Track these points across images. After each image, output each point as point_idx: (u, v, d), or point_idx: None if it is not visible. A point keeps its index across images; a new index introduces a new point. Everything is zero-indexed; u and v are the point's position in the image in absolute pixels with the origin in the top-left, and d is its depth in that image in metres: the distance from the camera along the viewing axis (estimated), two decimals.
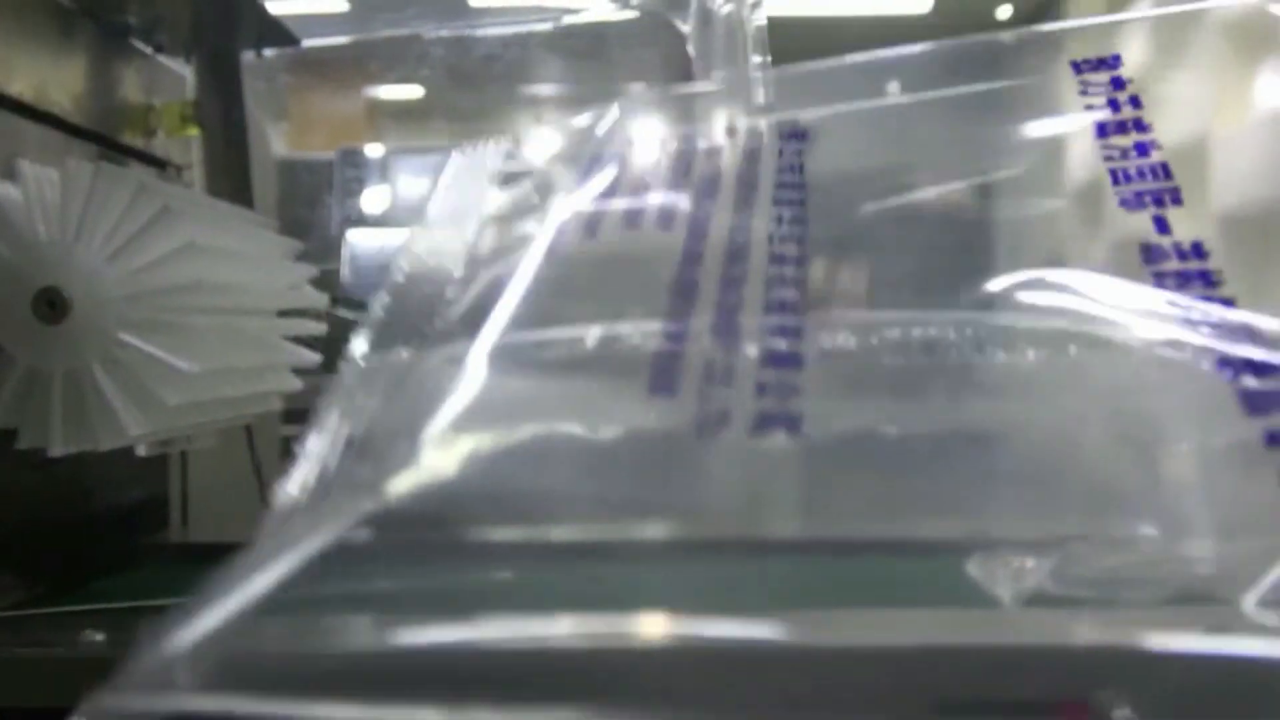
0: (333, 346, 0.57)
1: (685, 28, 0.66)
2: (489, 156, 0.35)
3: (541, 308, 0.28)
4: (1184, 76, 0.33)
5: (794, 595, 0.26)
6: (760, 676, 0.25)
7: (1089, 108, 0.30)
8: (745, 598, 0.27)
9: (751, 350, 0.26)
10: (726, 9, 0.59)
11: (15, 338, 0.40)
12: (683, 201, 0.31)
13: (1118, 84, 0.30)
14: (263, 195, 0.69)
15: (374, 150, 1.69)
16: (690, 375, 0.25)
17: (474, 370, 0.26)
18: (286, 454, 0.82)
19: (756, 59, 0.56)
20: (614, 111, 0.35)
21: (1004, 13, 3.05)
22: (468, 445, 0.24)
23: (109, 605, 0.40)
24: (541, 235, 0.30)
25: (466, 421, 0.25)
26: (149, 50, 0.61)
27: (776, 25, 0.51)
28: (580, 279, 0.30)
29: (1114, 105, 0.30)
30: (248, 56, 0.66)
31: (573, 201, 0.31)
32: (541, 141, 0.36)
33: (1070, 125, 0.31)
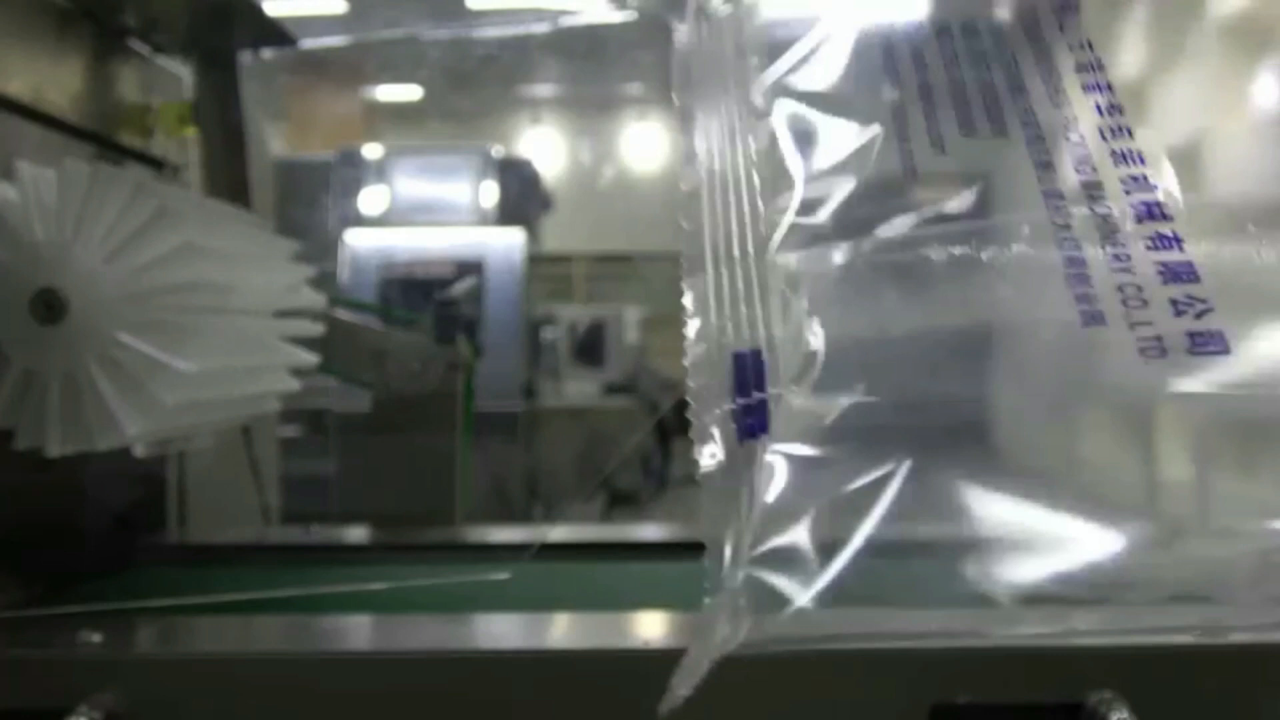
0: (330, 347, 0.56)
1: (683, 29, 0.66)
2: (732, 26, 0.36)
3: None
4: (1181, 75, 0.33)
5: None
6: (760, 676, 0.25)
7: None
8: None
9: (1146, 264, 0.24)
10: (724, 11, 0.59)
11: (13, 338, 0.40)
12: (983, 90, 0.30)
13: None
14: (260, 195, 0.68)
15: (372, 151, 1.68)
16: (1109, 301, 0.24)
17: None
18: (284, 455, 0.82)
19: (754, 61, 0.56)
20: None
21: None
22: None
23: (106, 606, 0.40)
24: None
25: None
26: (147, 51, 0.61)
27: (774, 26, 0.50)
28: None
29: None
30: (246, 57, 0.66)
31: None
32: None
33: None
